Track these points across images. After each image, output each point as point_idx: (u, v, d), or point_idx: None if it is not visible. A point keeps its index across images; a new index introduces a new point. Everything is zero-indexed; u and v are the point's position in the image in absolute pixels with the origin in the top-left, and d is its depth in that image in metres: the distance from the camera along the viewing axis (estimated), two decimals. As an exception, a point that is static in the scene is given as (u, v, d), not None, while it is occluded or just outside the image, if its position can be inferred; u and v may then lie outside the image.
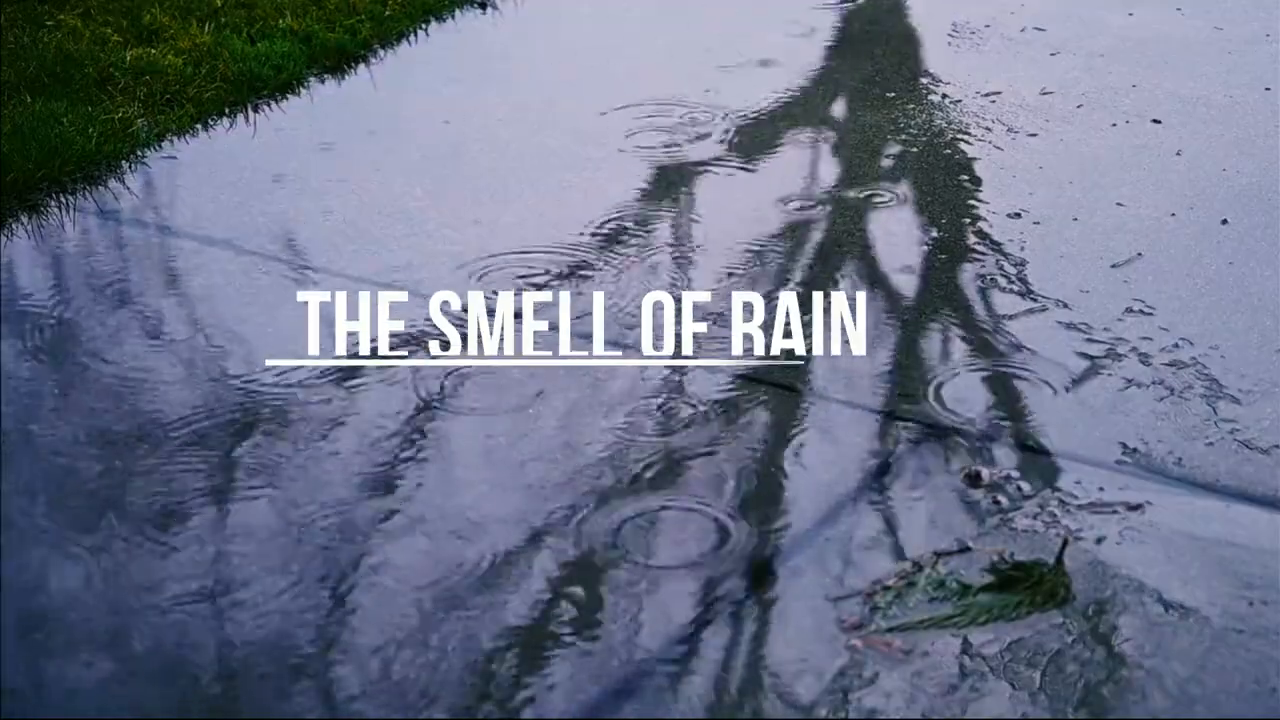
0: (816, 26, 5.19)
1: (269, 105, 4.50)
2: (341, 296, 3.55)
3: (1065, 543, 2.80)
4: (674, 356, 3.37)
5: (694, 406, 3.20)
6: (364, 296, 3.55)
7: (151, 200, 3.98)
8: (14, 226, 3.80)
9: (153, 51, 4.59)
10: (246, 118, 4.42)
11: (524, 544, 2.80)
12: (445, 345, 3.38)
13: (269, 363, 3.29)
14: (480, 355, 3.36)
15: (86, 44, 4.60)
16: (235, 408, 3.16)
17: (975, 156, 4.28)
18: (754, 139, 4.37)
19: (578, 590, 2.71)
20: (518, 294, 3.58)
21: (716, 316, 3.51)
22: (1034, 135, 4.41)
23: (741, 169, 4.22)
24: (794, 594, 2.71)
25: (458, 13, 5.19)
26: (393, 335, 3.41)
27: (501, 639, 2.59)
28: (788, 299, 3.58)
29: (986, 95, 4.64)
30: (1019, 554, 2.79)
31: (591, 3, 5.48)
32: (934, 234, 3.90)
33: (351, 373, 3.28)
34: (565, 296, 3.57)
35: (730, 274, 3.68)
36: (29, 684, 2.51)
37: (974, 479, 2.99)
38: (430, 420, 3.15)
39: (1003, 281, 3.67)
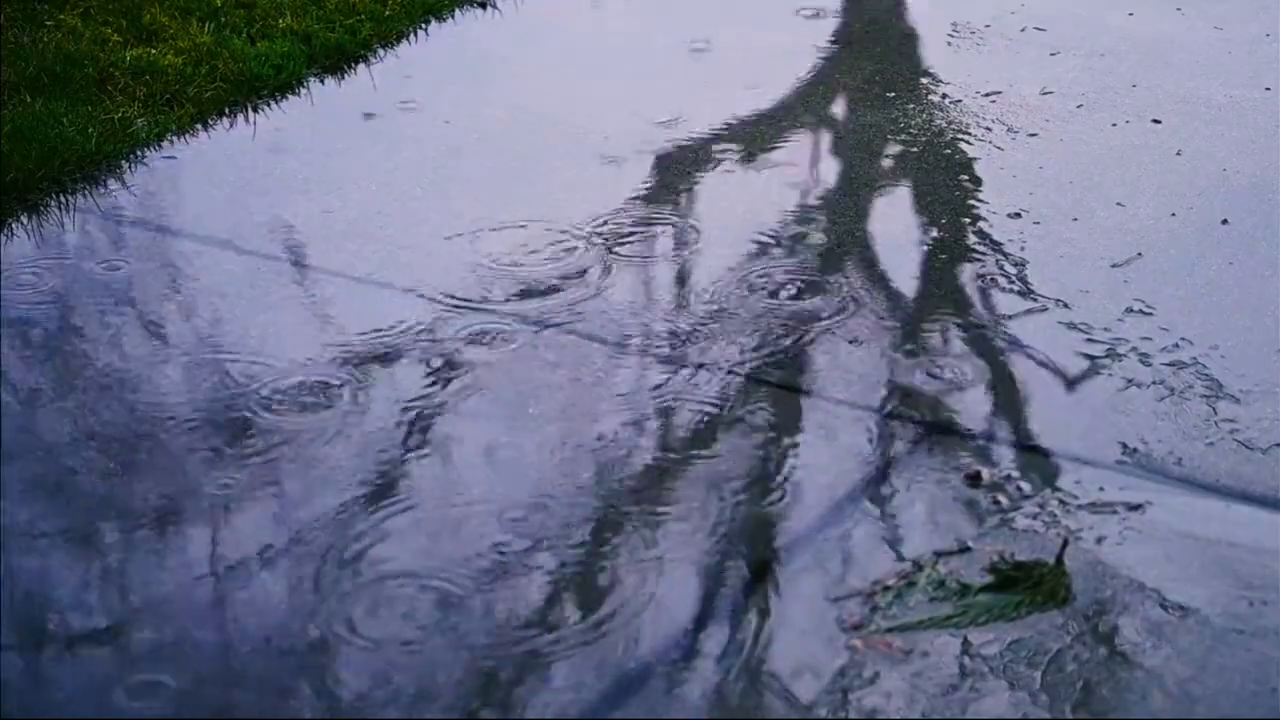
0: (817, 26, 5.18)
1: (269, 105, 4.50)
2: (342, 296, 3.55)
3: (1065, 543, 2.80)
4: (676, 356, 3.37)
5: (694, 406, 3.20)
6: (364, 296, 3.55)
7: (151, 200, 3.97)
8: (14, 226, 3.80)
9: (153, 51, 4.59)
10: (246, 118, 4.42)
11: (523, 547, 2.81)
12: (445, 344, 3.39)
13: (268, 362, 3.30)
14: (478, 355, 3.36)
15: (86, 44, 4.59)
16: (234, 407, 3.16)
17: (975, 156, 4.28)
18: (754, 137, 4.37)
19: (578, 588, 2.71)
20: (518, 294, 3.58)
21: (719, 316, 3.51)
22: (1034, 135, 4.40)
23: (742, 167, 4.21)
24: (794, 594, 2.71)
25: (458, 13, 5.18)
26: (393, 334, 3.41)
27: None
28: (789, 300, 3.58)
29: (986, 95, 4.64)
30: (1019, 554, 2.79)
31: (592, 2, 5.48)
32: (934, 234, 3.90)
33: (351, 372, 3.28)
34: (566, 296, 3.57)
35: (732, 275, 3.68)
36: (29, 682, 2.51)
37: (974, 479, 2.99)
38: (429, 420, 3.15)
39: (1003, 281, 3.67)
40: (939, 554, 2.80)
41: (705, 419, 3.17)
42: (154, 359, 3.33)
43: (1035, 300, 3.59)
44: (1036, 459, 3.06)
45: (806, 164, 4.28)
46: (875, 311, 3.56)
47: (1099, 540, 2.84)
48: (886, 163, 4.28)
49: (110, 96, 4.35)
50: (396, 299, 3.54)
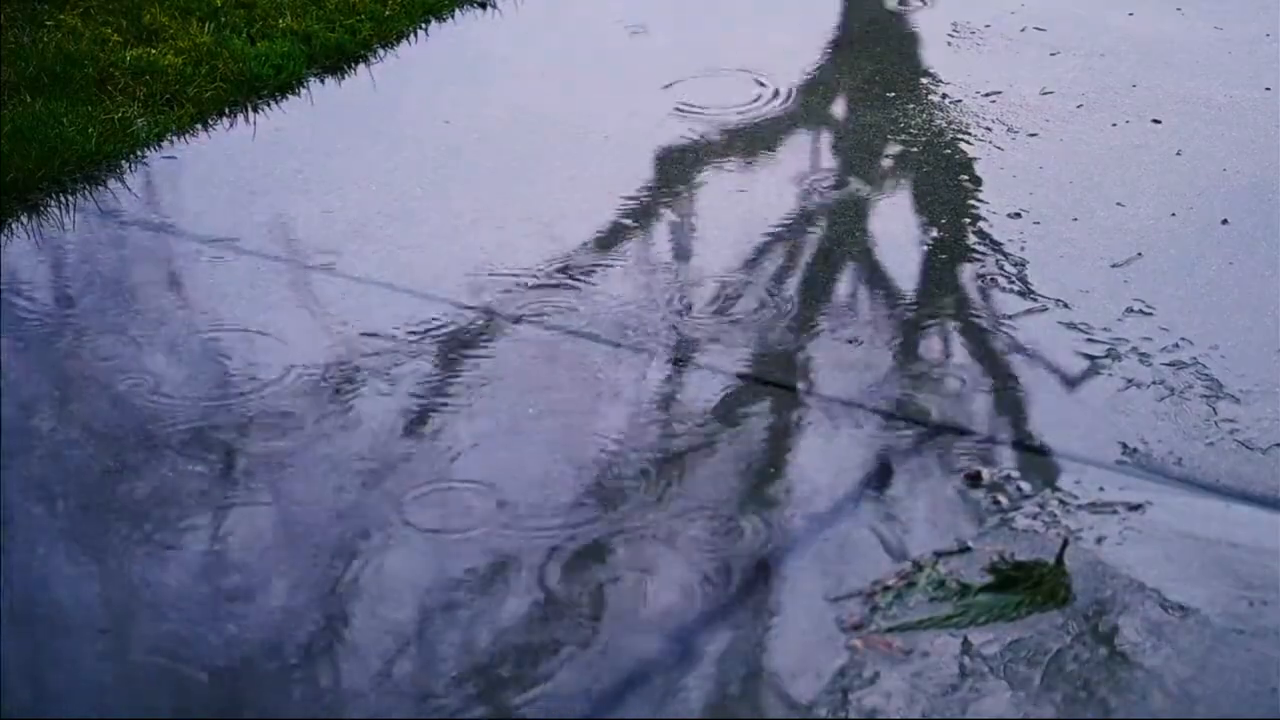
0: (817, 26, 5.18)
1: (269, 105, 4.50)
2: (342, 296, 3.55)
3: (1065, 543, 2.80)
4: (675, 355, 3.37)
5: (693, 405, 3.20)
6: (364, 297, 3.55)
7: (151, 200, 3.97)
8: (14, 226, 3.80)
9: (153, 51, 4.58)
10: (246, 118, 4.42)
11: (519, 545, 2.81)
12: (443, 345, 3.39)
13: (268, 362, 3.30)
14: (476, 355, 3.36)
15: (86, 44, 4.59)
16: (234, 407, 3.16)
17: (975, 156, 4.28)
18: (754, 137, 4.37)
19: (576, 587, 2.71)
20: (518, 294, 3.58)
21: (718, 316, 3.51)
22: (1034, 135, 4.40)
23: (742, 167, 4.21)
24: (794, 594, 2.71)
25: (458, 13, 5.18)
26: (392, 335, 3.41)
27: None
28: (788, 299, 3.59)
29: (986, 95, 4.63)
30: (1019, 554, 2.79)
31: (592, 2, 5.48)
32: (934, 234, 3.90)
33: (351, 371, 3.28)
34: (565, 295, 3.57)
35: (731, 276, 3.68)
36: (29, 682, 2.51)
37: (974, 479, 2.99)
38: (429, 419, 3.15)
39: (1003, 281, 3.67)
40: (939, 554, 2.80)
41: (705, 418, 3.17)
42: (153, 358, 3.32)
43: (1035, 300, 3.59)
44: (1036, 459, 3.06)
45: (807, 164, 4.28)
46: (875, 311, 3.56)
47: (1099, 540, 2.84)
48: (886, 163, 4.28)
49: (110, 96, 4.34)
50: (396, 299, 3.54)
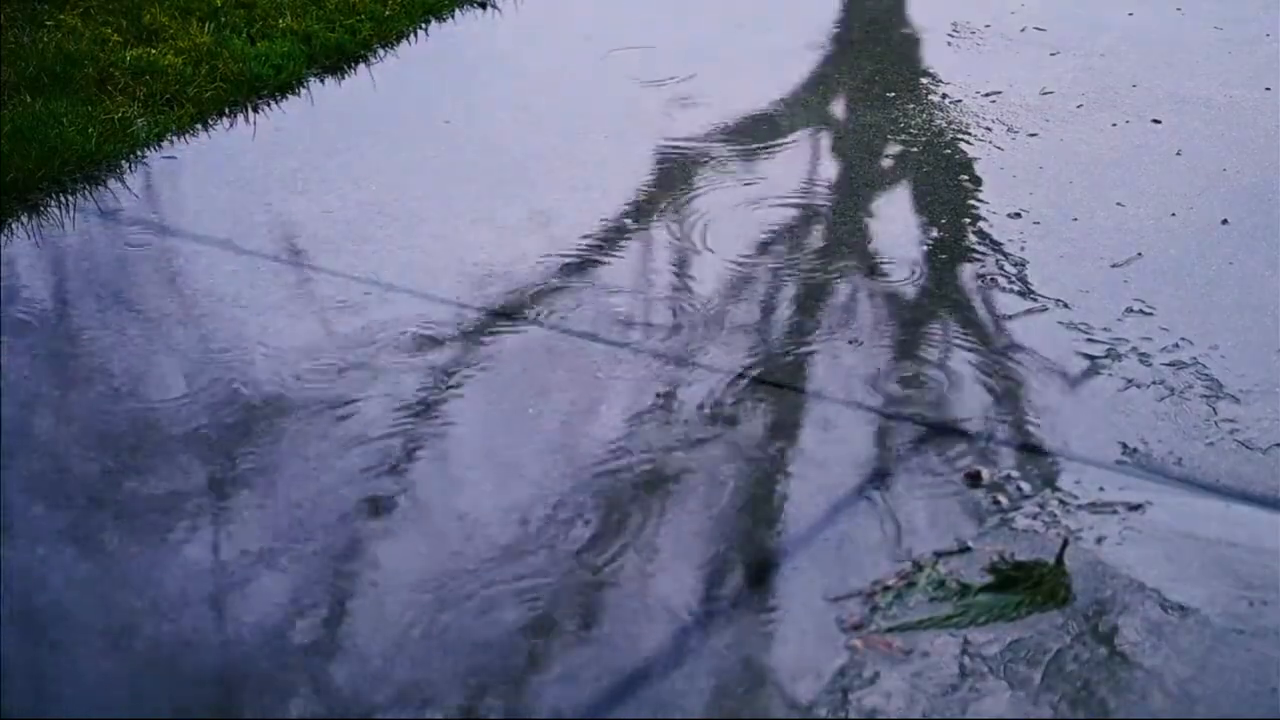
0: (817, 26, 5.19)
1: (269, 105, 4.50)
2: (341, 297, 3.55)
3: (1065, 543, 2.80)
4: (676, 355, 3.37)
5: (693, 405, 3.20)
6: (364, 297, 3.55)
7: (151, 200, 3.98)
8: (14, 226, 3.80)
9: (153, 51, 4.59)
10: (246, 118, 4.42)
11: (519, 546, 2.81)
12: (443, 345, 3.39)
13: (267, 362, 3.30)
14: (477, 355, 3.36)
15: (86, 44, 4.59)
16: (233, 407, 3.16)
17: (975, 156, 4.28)
18: (754, 137, 4.37)
19: (575, 585, 2.71)
20: (518, 294, 3.58)
21: (719, 315, 3.51)
22: (1034, 135, 4.41)
23: (743, 167, 4.21)
24: (794, 594, 2.71)
25: (458, 13, 5.19)
26: (391, 335, 3.41)
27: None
28: (789, 299, 3.59)
29: (986, 95, 4.64)
30: (1019, 554, 2.79)
31: (593, 2, 5.48)
32: (934, 234, 3.90)
33: (351, 370, 3.28)
34: (564, 295, 3.57)
35: (731, 275, 3.68)
36: (29, 682, 2.51)
37: (974, 479, 2.99)
38: (428, 419, 3.15)
39: (1003, 281, 3.67)
40: (939, 554, 2.80)
41: (705, 418, 3.17)
42: (153, 358, 3.33)
43: (1035, 300, 3.60)
44: (1036, 459, 3.07)
45: (807, 164, 4.28)
46: (875, 311, 3.56)
47: (1099, 540, 2.84)
48: (886, 163, 4.28)
49: (110, 96, 4.34)
50: (396, 299, 3.54)
